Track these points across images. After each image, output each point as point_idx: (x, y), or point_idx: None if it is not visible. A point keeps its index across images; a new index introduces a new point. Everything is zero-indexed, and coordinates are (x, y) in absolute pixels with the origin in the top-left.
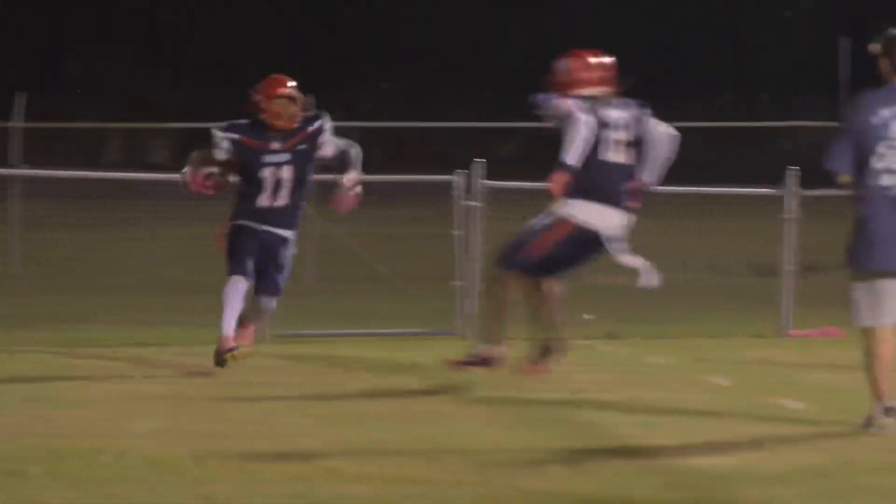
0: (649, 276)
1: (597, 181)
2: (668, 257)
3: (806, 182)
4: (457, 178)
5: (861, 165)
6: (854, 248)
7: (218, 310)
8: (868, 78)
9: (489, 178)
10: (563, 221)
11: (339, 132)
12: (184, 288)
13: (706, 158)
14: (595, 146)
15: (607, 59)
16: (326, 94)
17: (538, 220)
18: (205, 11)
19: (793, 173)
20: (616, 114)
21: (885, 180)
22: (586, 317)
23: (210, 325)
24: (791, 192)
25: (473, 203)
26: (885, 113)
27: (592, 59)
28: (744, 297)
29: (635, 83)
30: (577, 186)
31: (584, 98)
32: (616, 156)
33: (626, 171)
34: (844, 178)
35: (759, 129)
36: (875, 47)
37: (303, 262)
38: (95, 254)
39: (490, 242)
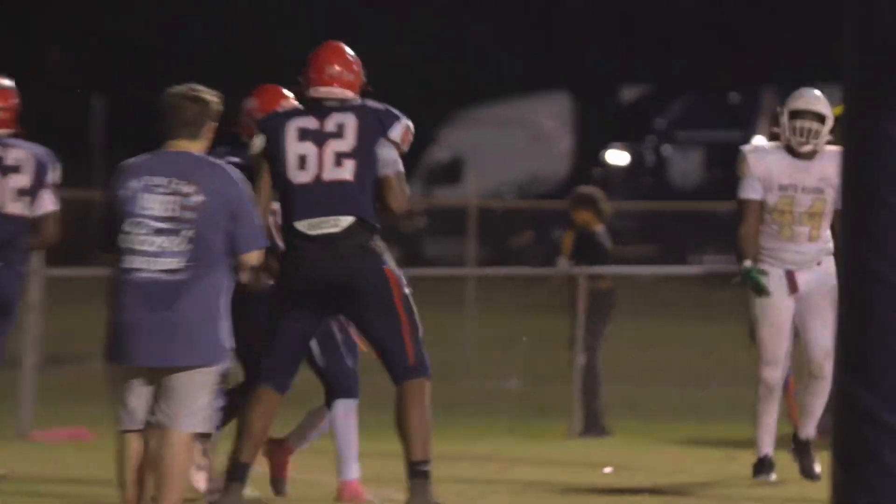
0: None
1: None
2: None
3: (51, 259)
4: None
5: (114, 244)
6: (106, 340)
7: None
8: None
9: None
10: None
11: None
12: None
13: None
14: None
15: None
16: None
17: None
18: None
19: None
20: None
21: (132, 263)
22: None
23: None
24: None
25: None
26: (133, 185)
27: None
28: None
29: None
30: None
31: None
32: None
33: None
34: (110, 255)
35: None
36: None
37: None
38: None
39: None
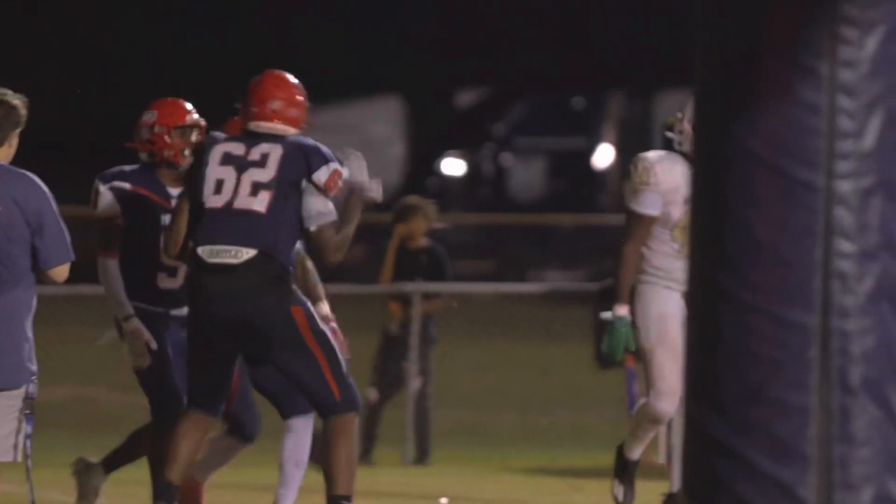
0: None
1: None
2: None
3: None
4: None
5: None
6: None
7: None
8: None
9: None
10: None
11: None
12: None
13: None
14: None
15: None
16: None
17: None
18: None
19: None
20: None
21: None
22: None
23: None
24: None
25: None
26: None
27: None
28: None
29: None
30: None
31: None
32: None
33: None
34: None
35: None
36: None
37: None
38: None
39: None
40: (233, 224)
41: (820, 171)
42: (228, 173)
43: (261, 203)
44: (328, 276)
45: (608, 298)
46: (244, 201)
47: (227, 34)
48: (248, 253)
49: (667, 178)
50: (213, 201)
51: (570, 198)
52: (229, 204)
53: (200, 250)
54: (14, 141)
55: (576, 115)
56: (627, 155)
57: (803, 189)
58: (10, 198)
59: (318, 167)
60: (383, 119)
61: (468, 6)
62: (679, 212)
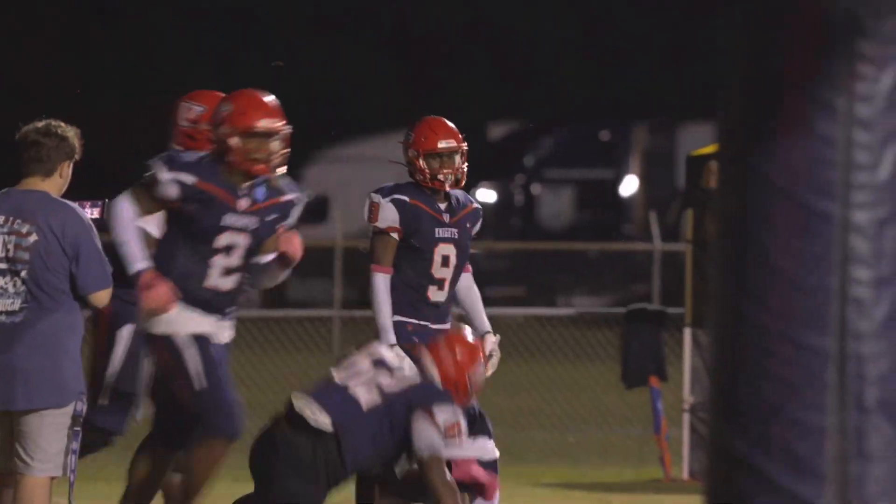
0: None
1: None
2: None
3: None
4: None
5: None
6: None
7: None
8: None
9: None
10: None
11: None
12: None
13: None
14: None
15: None
16: None
17: None
18: None
19: None
20: None
21: None
22: None
23: None
24: None
25: None
26: None
27: None
28: None
29: None
30: None
31: None
32: None
33: None
34: None
35: None
36: None
37: None
38: None
39: None
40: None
41: (837, 201)
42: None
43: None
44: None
45: (635, 321)
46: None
47: (280, 70)
48: None
49: None
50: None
51: (596, 226)
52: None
53: None
54: (65, 171)
55: (602, 147)
56: (652, 185)
57: (821, 219)
58: (47, 227)
59: None
60: None
61: (502, 46)
62: None
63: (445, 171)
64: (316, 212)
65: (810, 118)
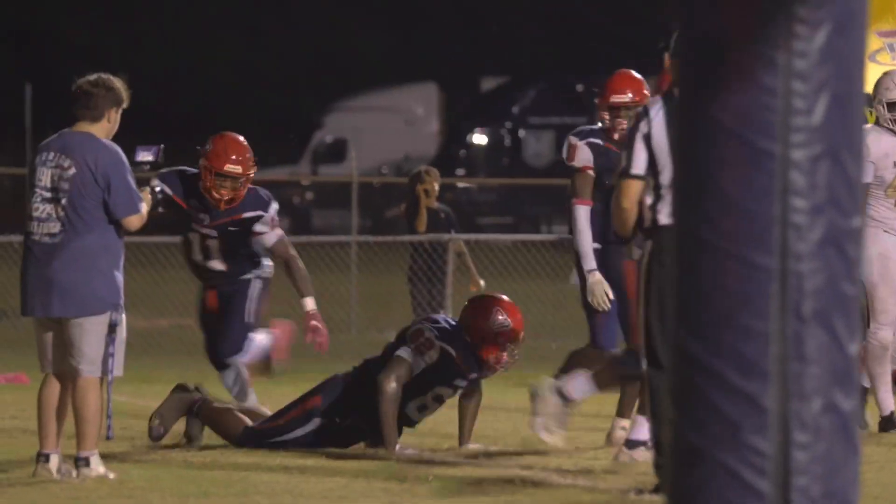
0: None
1: None
2: None
3: None
4: None
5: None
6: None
7: None
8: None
9: None
10: None
11: None
12: None
13: None
14: None
15: None
16: None
17: None
18: None
19: None
20: None
21: (30, 227)
22: None
23: None
24: None
25: None
26: (36, 161)
27: None
28: None
29: None
30: None
31: None
32: None
33: None
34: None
35: None
36: None
37: None
38: None
39: None
40: None
41: (777, 141)
42: None
43: None
44: (377, 229)
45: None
46: None
47: (289, 36)
48: None
49: (876, 148)
50: None
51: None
52: None
53: None
54: (113, 117)
55: (577, 97)
56: None
57: (764, 156)
58: (83, 161)
59: None
60: (423, 102)
61: (491, 12)
62: (891, 175)
63: (621, 123)
64: (335, 153)
65: (754, 71)
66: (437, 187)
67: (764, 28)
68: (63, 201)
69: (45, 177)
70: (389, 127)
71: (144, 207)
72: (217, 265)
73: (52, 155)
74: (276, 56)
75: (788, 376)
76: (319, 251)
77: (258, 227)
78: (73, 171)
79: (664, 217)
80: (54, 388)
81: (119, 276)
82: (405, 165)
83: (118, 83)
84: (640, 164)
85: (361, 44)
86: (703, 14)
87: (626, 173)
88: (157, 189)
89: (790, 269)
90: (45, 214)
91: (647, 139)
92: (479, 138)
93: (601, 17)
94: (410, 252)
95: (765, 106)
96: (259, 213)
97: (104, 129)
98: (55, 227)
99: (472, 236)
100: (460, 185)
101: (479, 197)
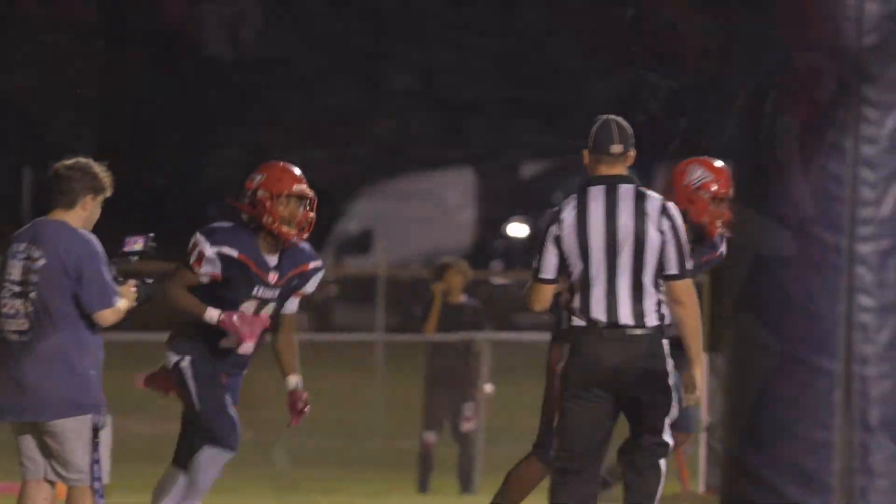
0: None
1: None
2: None
3: None
4: None
5: None
6: None
7: None
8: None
9: None
10: None
11: None
12: None
13: None
14: None
15: None
16: None
17: None
18: None
19: None
20: None
21: (1, 325)
22: None
23: None
24: None
25: None
26: (7, 251)
27: None
28: None
29: None
30: None
31: None
32: None
33: None
34: None
35: None
36: None
37: None
38: None
39: None
40: None
41: (844, 234)
42: None
43: None
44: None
45: None
46: None
47: (316, 108)
48: None
49: None
50: None
51: None
52: None
53: None
54: (89, 204)
55: None
56: None
57: (829, 250)
58: (55, 252)
59: None
60: (457, 187)
61: (523, 91)
62: None
63: None
64: (361, 243)
65: (820, 158)
66: (462, 281)
67: (830, 112)
68: (32, 295)
69: (14, 270)
70: (420, 215)
71: (122, 302)
72: (250, 347)
73: (22, 246)
74: (294, 138)
75: (854, 491)
76: (343, 350)
77: (309, 287)
78: (42, 262)
79: (576, 318)
80: (36, 493)
81: (94, 375)
82: (436, 257)
83: (98, 168)
84: (549, 268)
85: (389, 126)
86: (767, 100)
87: (535, 277)
88: (150, 282)
89: (855, 373)
90: (13, 311)
91: (558, 242)
92: (518, 228)
93: (647, 107)
94: (429, 352)
95: (830, 196)
96: (319, 264)
97: (79, 217)
98: (24, 325)
99: (504, 335)
100: (495, 281)
101: (516, 292)
